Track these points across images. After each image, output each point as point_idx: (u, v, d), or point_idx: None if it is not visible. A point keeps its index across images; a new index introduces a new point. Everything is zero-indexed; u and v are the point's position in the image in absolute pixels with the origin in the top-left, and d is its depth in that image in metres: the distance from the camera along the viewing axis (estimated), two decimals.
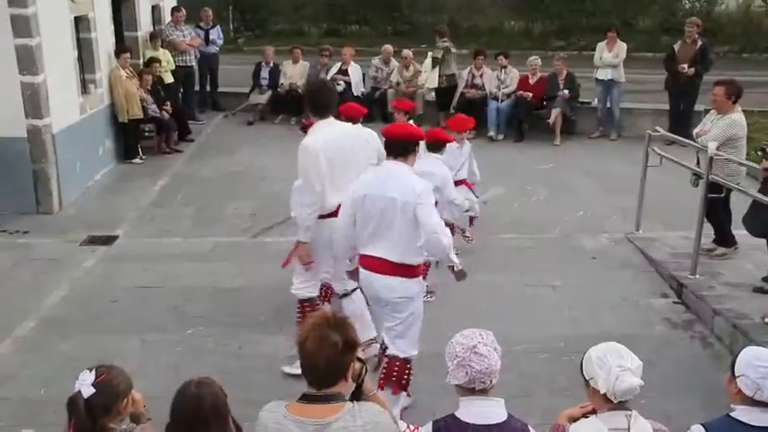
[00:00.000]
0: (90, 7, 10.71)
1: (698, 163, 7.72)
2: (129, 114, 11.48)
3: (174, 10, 13.97)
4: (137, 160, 11.83)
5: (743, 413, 3.14)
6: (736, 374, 3.16)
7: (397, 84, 14.02)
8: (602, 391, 3.05)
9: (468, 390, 3.01)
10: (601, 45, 13.12)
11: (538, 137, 12.92)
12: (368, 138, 6.19)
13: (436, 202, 5.22)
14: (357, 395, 2.98)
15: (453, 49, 13.80)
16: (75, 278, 7.69)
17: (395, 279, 4.96)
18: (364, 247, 5.02)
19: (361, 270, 5.11)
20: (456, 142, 7.38)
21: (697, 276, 7.27)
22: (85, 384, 3.18)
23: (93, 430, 3.17)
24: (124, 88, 11.38)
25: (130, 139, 11.78)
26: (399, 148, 4.98)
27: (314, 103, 5.61)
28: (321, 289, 6.17)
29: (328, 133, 5.48)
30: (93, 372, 3.23)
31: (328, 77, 13.92)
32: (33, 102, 9.08)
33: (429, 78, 13.73)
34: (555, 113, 12.82)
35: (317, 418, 2.78)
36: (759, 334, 6.05)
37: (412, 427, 4.69)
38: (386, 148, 5.06)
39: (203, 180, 10.97)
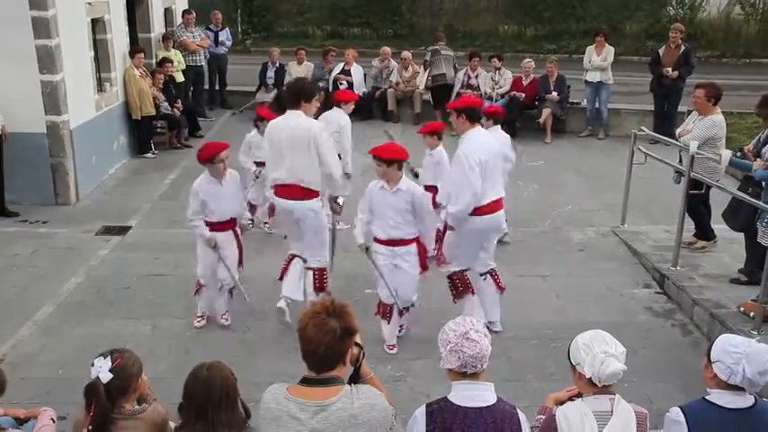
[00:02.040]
0: (106, 10, 10.69)
1: (680, 161, 7.73)
2: (142, 111, 11.47)
3: (185, 12, 13.94)
4: (149, 155, 11.82)
5: (717, 396, 3.16)
6: (712, 360, 3.17)
7: (397, 83, 14.00)
8: (587, 376, 3.06)
9: (460, 374, 3.01)
10: (590, 49, 13.10)
11: (530, 135, 12.90)
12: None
13: None
14: (355, 378, 2.98)
15: (444, 51, 13.78)
16: (91, 266, 7.70)
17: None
18: (486, 197, 5.91)
19: (488, 216, 6.01)
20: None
21: (678, 268, 7.29)
22: (103, 371, 3.20)
23: (111, 411, 3.20)
24: (138, 87, 11.37)
25: (143, 134, 11.78)
26: (479, 115, 6.18)
27: (284, 96, 6.41)
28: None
29: (280, 121, 6.15)
30: (108, 358, 3.26)
31: (332, 78, 13.93)
32: (52, 99, 9.08)
33: (420, 81, 13.83)
34: (546, 113, 12.81)
35: (316, 400, 2.78)
36: (735, 322, 6.08)
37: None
38: (472, 117, 5.96)
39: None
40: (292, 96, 6.13)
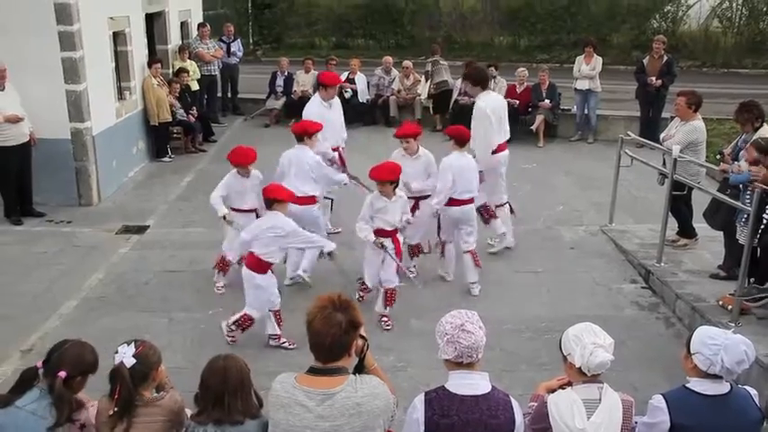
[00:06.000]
0: (126, 24, 10.70)
1: (664, 164, 7.72)
2: (159, 118, 11.48)
3: (200, 25, 13.96)
4: (166, 159, 11.83)
5: (696, 384, 3.17)
6: (692, 352, 3.17)
7: (398, 91, 14.00)
8: (577, 366, 3.06)
9: (456, 364, 3.00)
10: (579, 59, 13.09)
11: (523, 139, 12.86)
12: None
13: None
14: (360, 369, 2.98)
15: (442, 61, 13.81)
16: (112, 263, 7.71)
17: None
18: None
19: None
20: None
21: (662, 264, 7.28)
22: (127, 356, 3.22)
23: (134, 395, 3.21)
24: (155, 95, 11.38)
25: (160, 139, 11.78)
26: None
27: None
28: None
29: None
30: (132, 345, 3.27)
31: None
32: (76, 107, 9.10)
33: (422, 90, 13.85)
34: (539, 119, 12.81)
35: (322, 389, 2.78)
36: (714, 315, 6.08)
37: None
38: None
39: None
40: (483, 80, 7.81)
